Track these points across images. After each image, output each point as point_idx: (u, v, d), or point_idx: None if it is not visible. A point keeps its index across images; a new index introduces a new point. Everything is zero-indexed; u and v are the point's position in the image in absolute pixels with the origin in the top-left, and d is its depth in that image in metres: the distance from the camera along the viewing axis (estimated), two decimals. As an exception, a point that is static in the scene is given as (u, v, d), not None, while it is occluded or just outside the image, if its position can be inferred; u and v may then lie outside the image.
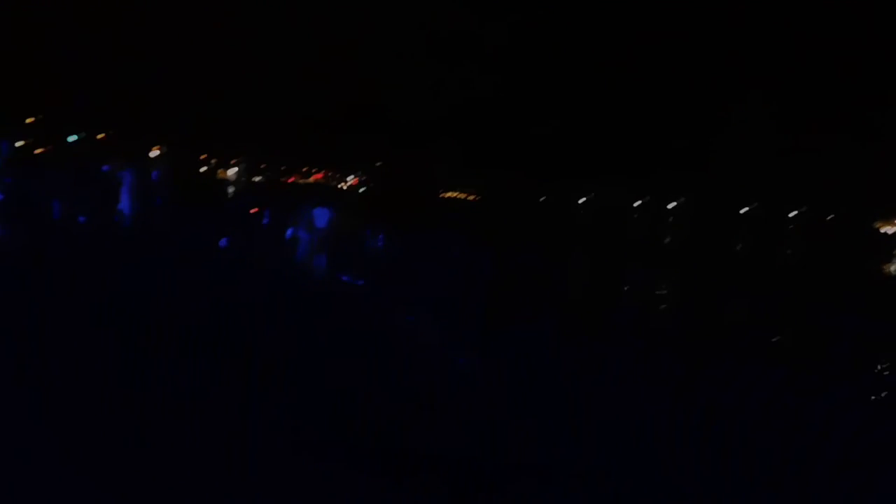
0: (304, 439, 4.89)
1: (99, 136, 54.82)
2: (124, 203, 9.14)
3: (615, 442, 6.17)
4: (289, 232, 9.70)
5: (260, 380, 5.93)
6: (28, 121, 50.33)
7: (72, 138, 51.71)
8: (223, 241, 9.21)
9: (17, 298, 6.22)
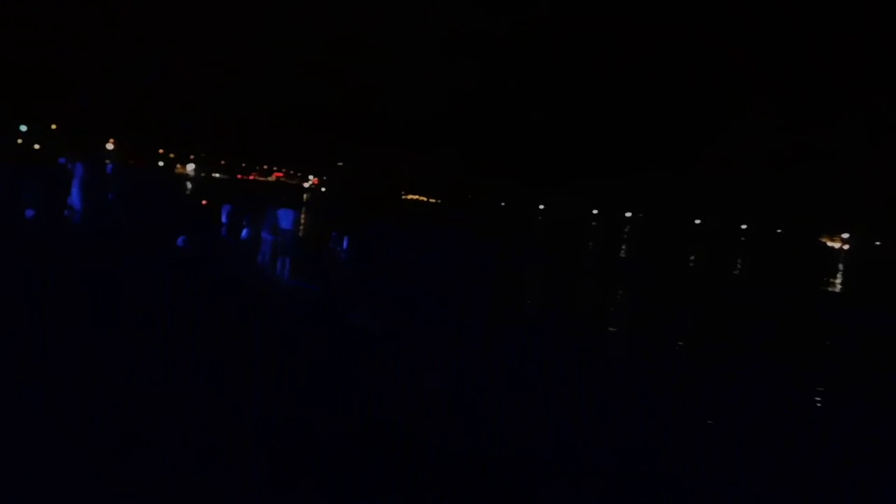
0: (306, 435, 4.88)
1: (52, 127, 53.62)
2: (77, 197, 8.96)
3: (619, 437, 6.16)
4: (245, 230, 9.66)
5: (259, 377, 6.02)
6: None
7: (22, 128, 50.46)
8: (181, 240, 9.07)
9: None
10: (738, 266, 42.60)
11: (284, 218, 8.78)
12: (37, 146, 44.38)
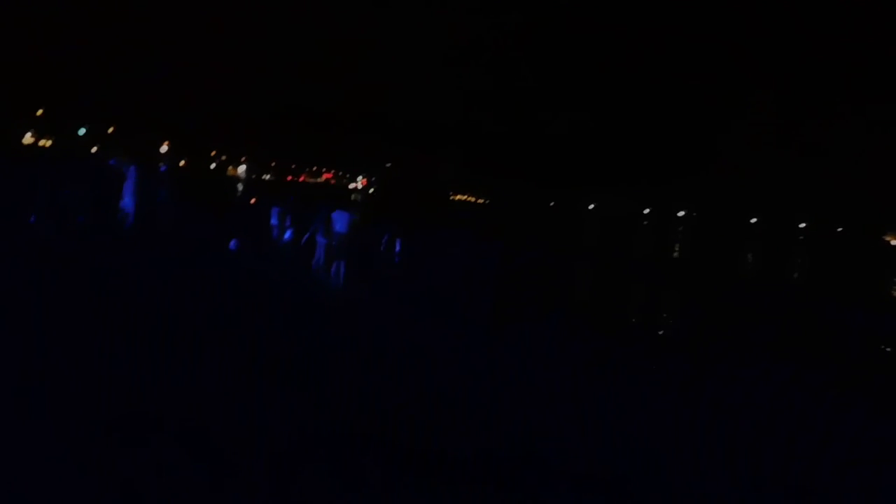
0: (311, 436, 4.80)
1: (109, 130, 55.12)
2: (131, 198, 8.91)
3: (622, 439, 5.97)
4: (294, 232, 9.42)
5: (268, 377, 5.94)
6: (37, 113, 50.67)
7: (81, 131, 51.98)
8: (233, 244, 8.93)
9: (25, 293, 6.12)
10: (796, 268, 41.00)
11: (339, 221, 8.47)
12: (94, 149, 45.58)
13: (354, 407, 5.76)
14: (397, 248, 9.30)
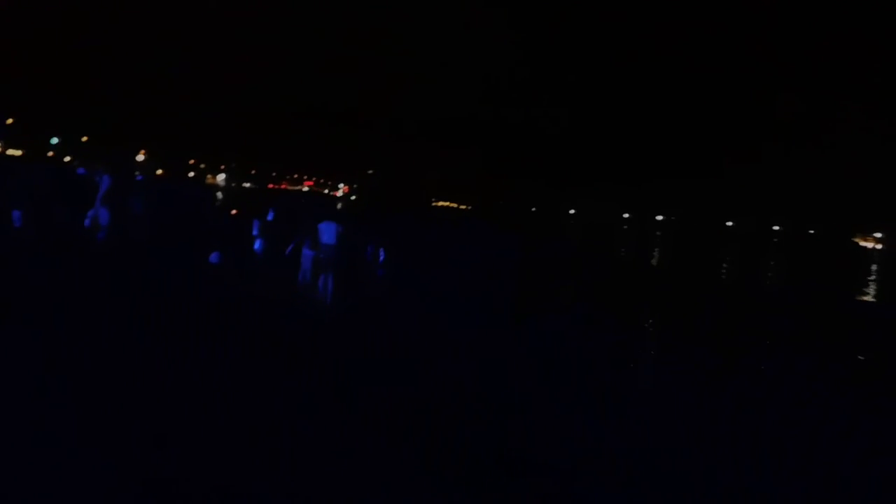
0: (330, 427, 4.61)
1: (83, 139, 54.07)
2: (106, 208, 8.41)
3: (642, 430, 5.85)
4: (278, 244, 8.89)
5: (286, 368, 5.78)
6: (7, 122, 49.52)
7: (53, 141, 50.87)
8: (214, 256, 8.37)
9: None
10: (771, 270, 41.37)
11: (327, 231, 7.99)
12: (67, 158, 44.58)
13: (374, 399, 5.57)
14: (382, 256, 8.80)
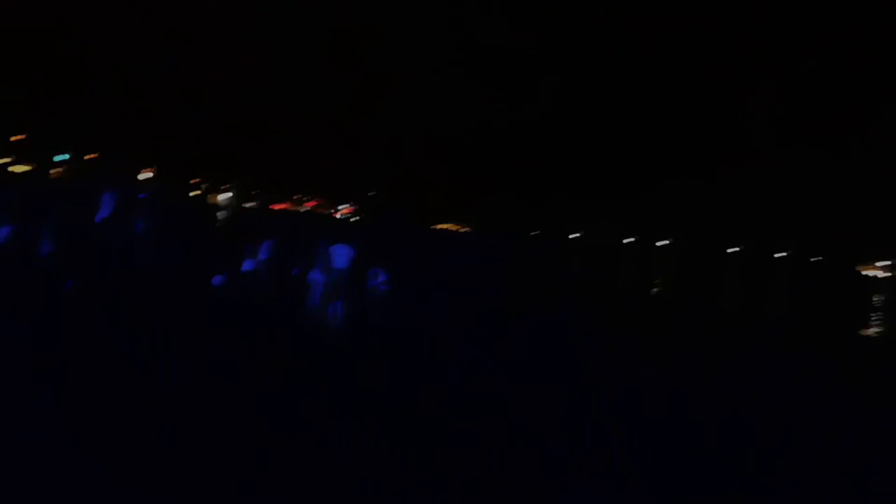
0: (324, 431, 4.71)
1: (88, 157, 54.23)
2: (110, 226, 8.49)
3: (631, 431, 6.24)
4: (285, 266, 8.79)
5: (276, 372, 5.90)
6: (14, 138, 49.65)
7: (59, 158, 51.03)
8: (217, 280, 8.30)
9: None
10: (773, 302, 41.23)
11: (339, 255, 7.94)
12: (74, 175, 44.69)
13: (365, 401, 5.68)
14: (381, 277, 8.75)
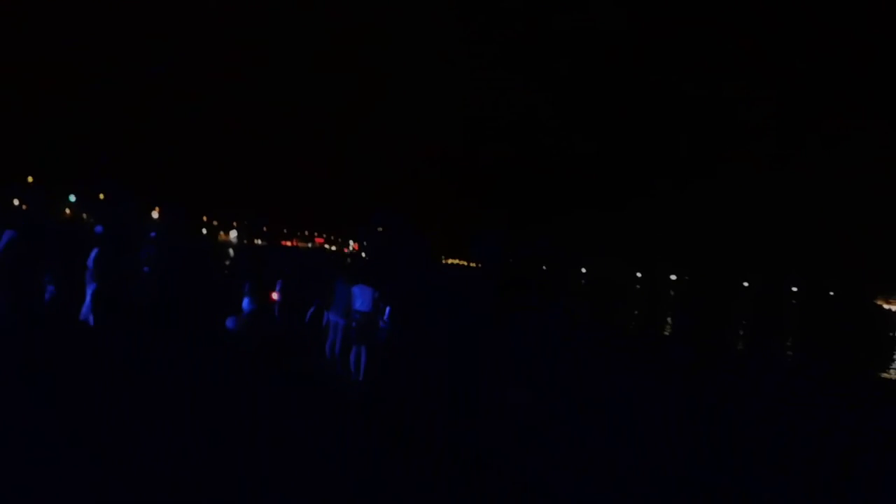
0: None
1: (100, 197, 54.76)
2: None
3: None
4: (302, 307, 8.10)
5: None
6: (28, 179, 50.19)
7: (71, 198, 51.45)
8: (230, 322, 7.60)
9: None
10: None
11: (362, 297, 6.64)
12: (84, 216, 44.99)
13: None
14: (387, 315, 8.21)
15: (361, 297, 6.67)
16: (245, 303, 7.52)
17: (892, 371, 28.93)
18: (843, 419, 7.50)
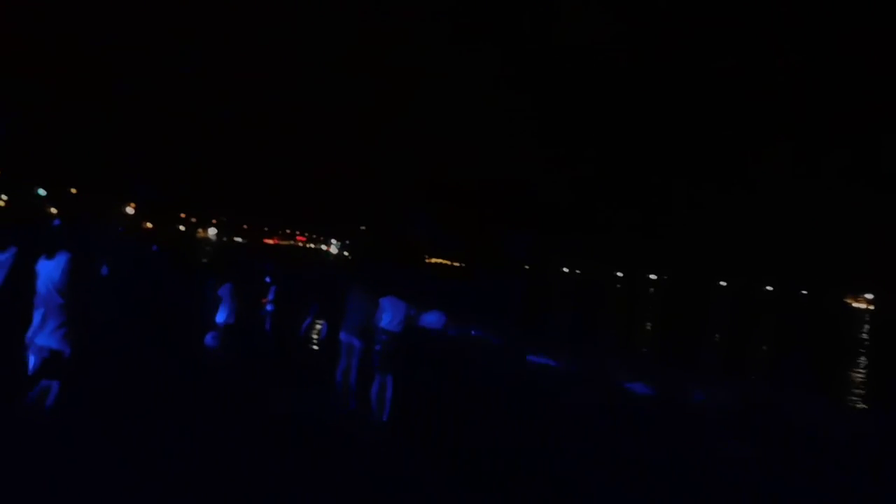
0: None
1: (72, 191, 53.09)
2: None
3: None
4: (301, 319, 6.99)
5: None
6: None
7: (40, 192, 49.79)
8: (209, 338, 6.21)
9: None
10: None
11: (392, 312, 5.18)
12: (54, 210, 43.47)
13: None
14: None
15: (392, 313, 5.20)
16: (221, 314, 6.30)
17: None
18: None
